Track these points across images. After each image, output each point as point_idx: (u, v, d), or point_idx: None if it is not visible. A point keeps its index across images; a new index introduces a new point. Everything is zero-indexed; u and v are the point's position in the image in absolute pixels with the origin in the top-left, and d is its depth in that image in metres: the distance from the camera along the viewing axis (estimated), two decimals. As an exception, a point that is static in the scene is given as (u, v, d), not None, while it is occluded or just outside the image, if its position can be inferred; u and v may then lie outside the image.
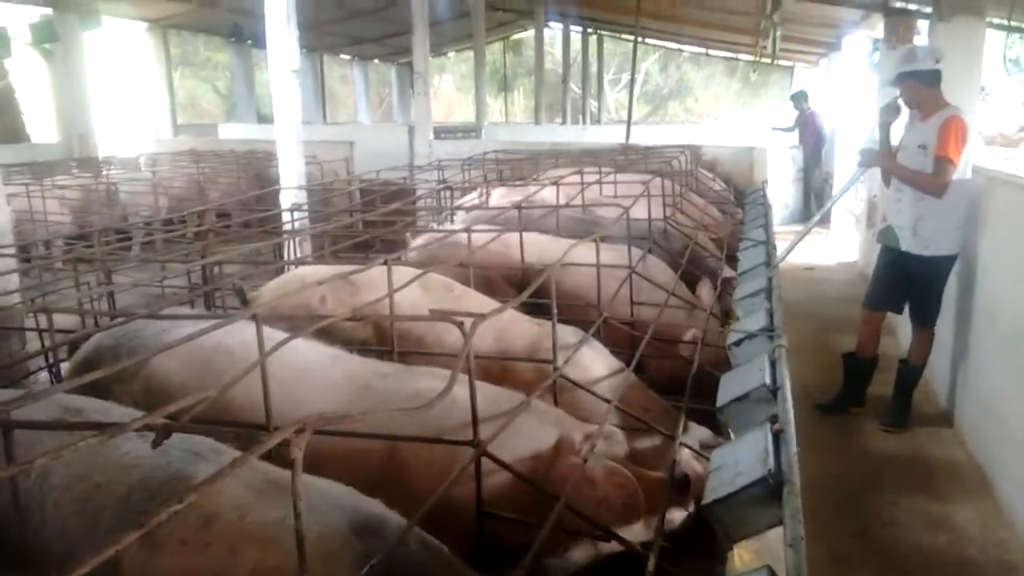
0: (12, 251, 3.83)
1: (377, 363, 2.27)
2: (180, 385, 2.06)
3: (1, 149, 9.84)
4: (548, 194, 4.76)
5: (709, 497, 1.61)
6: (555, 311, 2.28)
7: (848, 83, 11.91)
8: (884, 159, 4.57)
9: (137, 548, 1.40)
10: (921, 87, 4.30)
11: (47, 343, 2.37)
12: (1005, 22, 5.93)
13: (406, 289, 2.42)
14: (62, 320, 2.56)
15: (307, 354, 2.21)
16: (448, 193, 6.43)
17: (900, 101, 4.51)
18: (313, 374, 2.14)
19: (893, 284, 4.59)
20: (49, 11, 10.30)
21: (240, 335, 2.06)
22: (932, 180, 4.20)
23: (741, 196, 6.89)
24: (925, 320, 4.52)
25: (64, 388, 1.72)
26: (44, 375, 3.08)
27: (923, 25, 7.30)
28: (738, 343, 2.53)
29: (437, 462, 1.82)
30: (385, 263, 2.40)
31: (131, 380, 2.14)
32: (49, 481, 1.54)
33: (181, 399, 1.95)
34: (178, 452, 1.56)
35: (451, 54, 26.90)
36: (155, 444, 1.28)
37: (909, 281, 4.52)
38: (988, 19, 6.46)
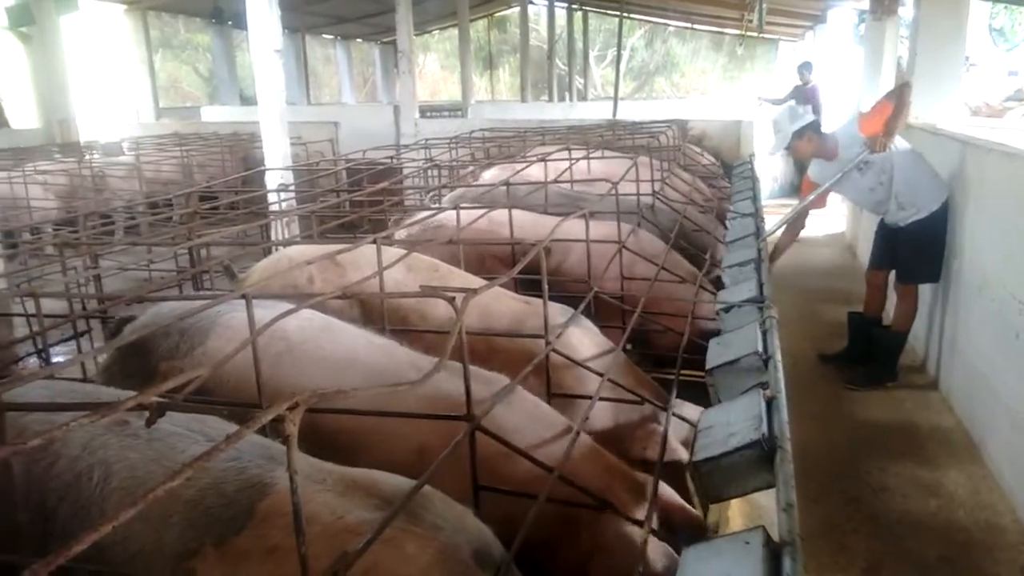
0: (-3, 237, 3.79)
1: (417, 355, 2.19)
2: (235, 368, 1.85)
3: (-19, 135, 9.73)
4: (536, 171, 4.73)
5: (699, 455, 1.61)
6: (546, 287, 2.27)
7: (833, 56, 11.90)
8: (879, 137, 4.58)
9: (214, 560, 1.34)
10: (814, 135, 4.63)
11: (35, 328, 2.35)
12: (990, -9, 5.93)
13: (391, 269, 2.40)
14: (49, 305, 2.54)
15: (346, 338, 2.17)
16: (435, 172, 6.39)
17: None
18: (346, 359, 2.09)
19: (892, 246, 4.78)
20: (25, -6, 10.11)
21: (296, 319, 2.00)
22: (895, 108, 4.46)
23: (729, 169, 6.89)
24: (912, 276, 4.66)
25: (97, 353, 1.68)
26: (33, 360, 3.06)
27: (908, -5, 7.29)
28: (727, 310, 2.52)
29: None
30: (375, 242, 2.38)
31: (183, 358, 2.06)
32: (109, 484, 1.47)
33: (234, 381, 1.94)
34: (251, 456, 1.49)
35: (435, 32, 26.65)
36: (148, 423, 1.26)
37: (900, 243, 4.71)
38: (973, -12, 6.44)
